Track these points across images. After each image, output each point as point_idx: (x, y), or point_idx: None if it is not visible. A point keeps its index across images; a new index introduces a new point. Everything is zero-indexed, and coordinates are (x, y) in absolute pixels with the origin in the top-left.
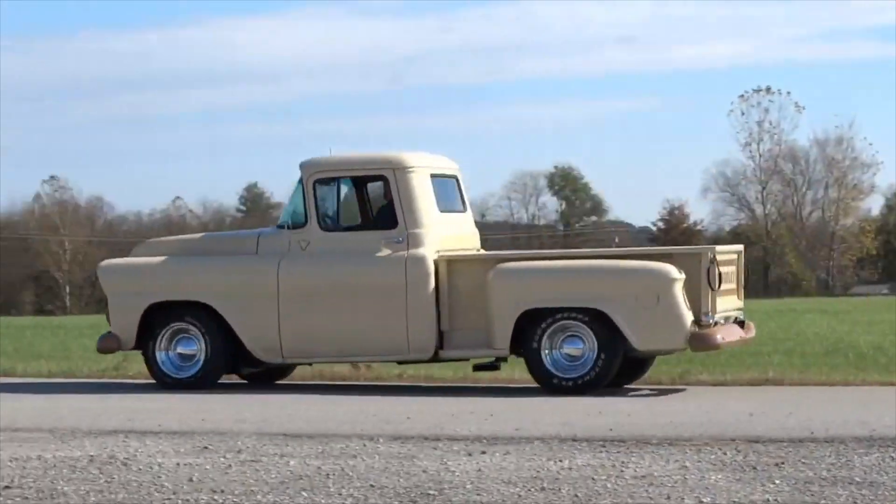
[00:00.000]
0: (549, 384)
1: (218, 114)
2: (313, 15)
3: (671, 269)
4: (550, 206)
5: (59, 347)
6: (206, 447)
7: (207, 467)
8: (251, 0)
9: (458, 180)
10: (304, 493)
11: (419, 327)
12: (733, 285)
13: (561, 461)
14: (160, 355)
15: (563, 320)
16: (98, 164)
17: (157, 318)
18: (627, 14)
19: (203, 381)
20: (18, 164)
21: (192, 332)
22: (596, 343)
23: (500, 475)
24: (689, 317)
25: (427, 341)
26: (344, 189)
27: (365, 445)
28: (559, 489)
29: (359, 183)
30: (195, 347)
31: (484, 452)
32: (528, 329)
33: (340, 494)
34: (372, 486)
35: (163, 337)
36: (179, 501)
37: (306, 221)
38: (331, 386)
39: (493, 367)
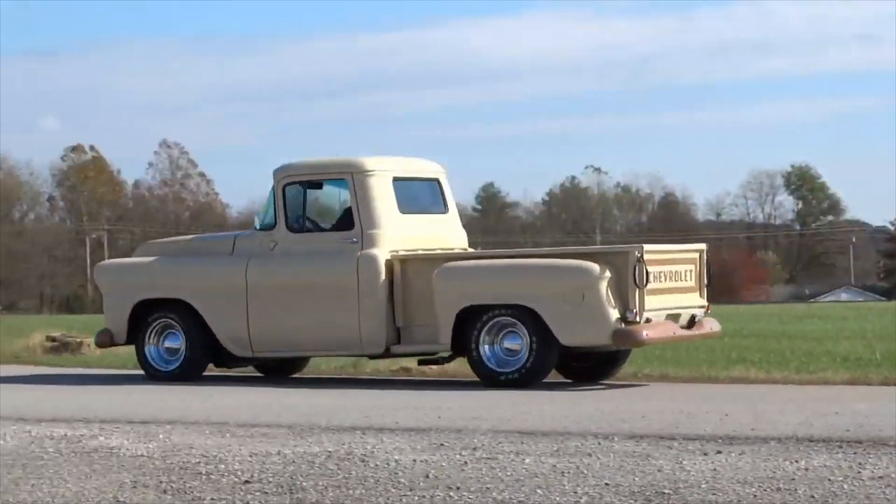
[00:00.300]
0: (486, 378)
1: (455, 113)
2: (550, 15)
3: (594, 268)
4: (787, 205)
5: None
6: (442, 444)
7: (443, 464)
8: (489, 1)
9: (439, 183)
10: (539, 491)
11: (370, 323)
12: (686, 283)
13: (797, 461)
14: (149, 349)
15: (499, 317)
16: None
17: (145, 315)
18: (867, 12)
19: (184, 375)
20: (259, 164)
21: (176, 328)
22: (529, 339)
23: (736, 475)
24: (613, 314)
25: (378, 337)
26: (309, 193)
27: (600, 444)
28: (795, 490)
29: (323, 186)
30: (179, 342)
31: (719, 452)
32: (468, 325)
33: (575, 493)
34: (607, 484)
35: (151, 332)
36: (416, 498)
37: (276, 223)
38: (564, 384)
39: (438, 361)
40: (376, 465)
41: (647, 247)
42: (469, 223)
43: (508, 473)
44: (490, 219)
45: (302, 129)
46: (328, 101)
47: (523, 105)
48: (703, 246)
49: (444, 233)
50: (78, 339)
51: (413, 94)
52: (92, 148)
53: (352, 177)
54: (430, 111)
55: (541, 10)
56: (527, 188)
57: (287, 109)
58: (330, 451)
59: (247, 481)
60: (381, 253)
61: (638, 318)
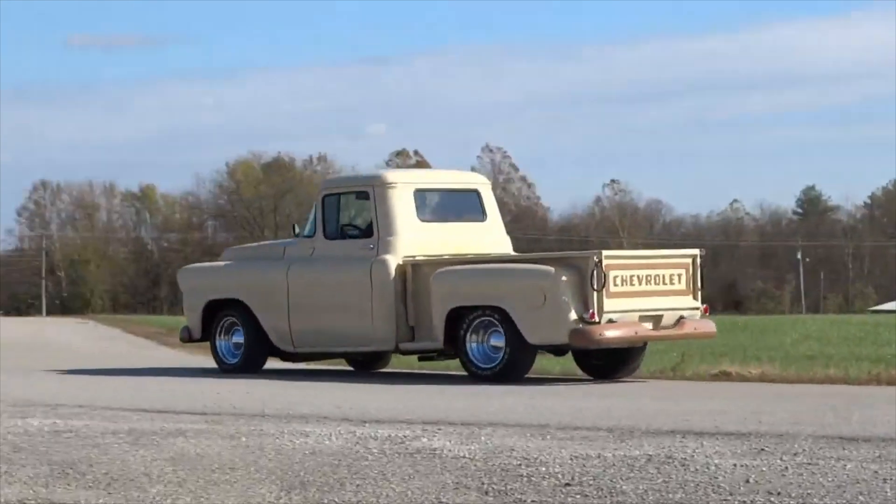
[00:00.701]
0: (472, 373)
1: (781, 116)
2: (880, 16)
3: (552, 272)
4: None
5: None
6: (762, 449)
7: (764, 469)
8: (815, 1)
9: (478, 193)
10: (860, 498)
11: (381, 322)
12: (672, 286)
13: None
14: (219, 344)
15: (483, 317)
16: (658, 167)
17: (215, 314)
18: None
19: (245, 367)
20: (581, 167)
21: (238, 326)
22: (506, 337)
23: None
24: (571, 315)
25: (388, 334)
26: (344, 203)
27: None
28: None
29: (353, 198)
30: (242, 338)
31: None
32: (458, 325)
33: None
34: None
35: (221, 329)
36: (736, 502)
37: (315, 232)
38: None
39: (435, 356)
40: (696, 469)
41: (607, 253)
42: (787, 226)
43: (829, 479)
44: (811, 222)
45: (624, 133)
46: (652, 105)
47: (852, 108)
48: (695, 252)
49: (480, 239)
50: None
51: (736, 97)
52: (416, 153)
53: (373, 189)
54: (755, 113)
55: (869, 10)
56: (848, 191)
57: (611, 114)
58: (650, 455)
59: (567, 484)
60: (395, 258)
61: (597, 319)
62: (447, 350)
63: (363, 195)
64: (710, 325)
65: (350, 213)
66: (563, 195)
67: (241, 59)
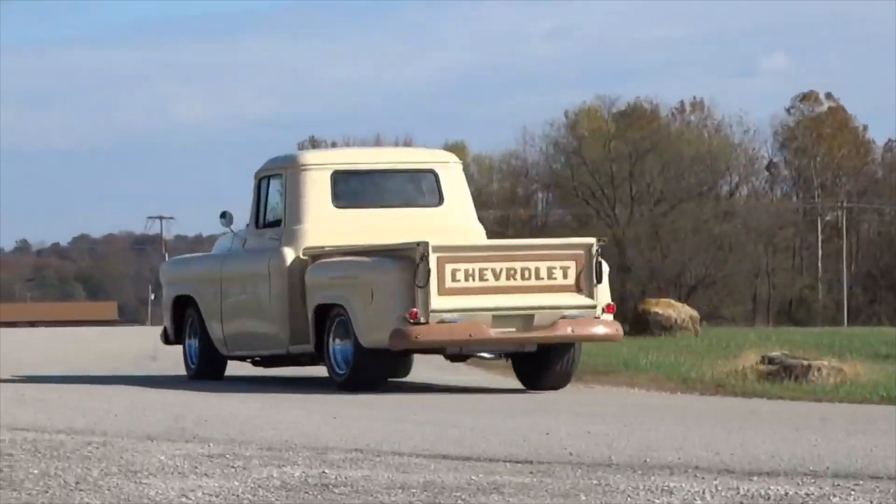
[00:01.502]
0: (332, 378)
1: None
2: None
3: (381, 265)
4: None
5: None
6: None
7: None
8: None
9: (435, 175)
10: None
11: (274, 323)
12: (550, 281)
13: None
14: (188, 345)
15: (339, 316)
16: None
17: (184, 312)
18: None
19: (200, 373)
20: None
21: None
22: (350, 339)
23: None
24: (395, 314)
25: (282, 335)
26: (271, 188)
27: None
28: None
29: (276, 182)
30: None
31: None
32: (323, 324)
33: None
34: None
35: (190, 329)
36: None
37: (250, 220)
38: None
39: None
40: None
41: (437, 244)
42: None
43: None
44: None
45: None
46: None
47: None
48: (588, 241)
49: (426, 227)
50: (805, 362)
51: None
52: (829, 96)
53: (285, 172)
54: None
55: None
56: None
57: None
58: None
59: None
60: (292, 249)
61: (421, 319)
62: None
63: (279, 179)
64: (604, 327)
65: (275, 200)
66: None
67: None
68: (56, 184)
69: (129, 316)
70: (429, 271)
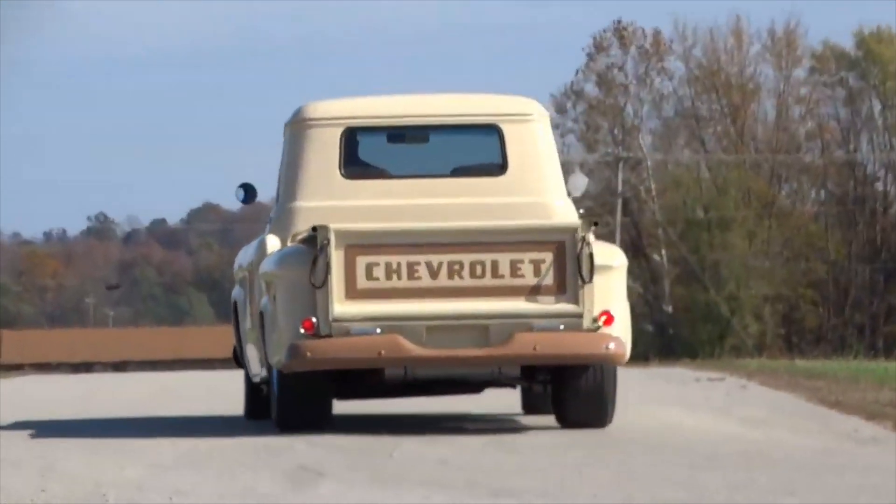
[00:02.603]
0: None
1: None
2: None
3: (281, 260)
4: None
5: None
6: None
7: None
8: None
9: (499, 132)
10: None
11: (258, 336)
12: (511, 281)
13: None
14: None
15: None
16: None
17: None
18: None
19: (250, 410)
20: None
21: None
22: None
23: None
24: (289, 324)
25: (259, 353)
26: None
27: None
28: None
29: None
30: None
31: None
32: None
33: None
34: None
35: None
36: None
37: None
38: None
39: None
40: None
41: (341, 228)
42: None
43: None
44: None
45: None
46: None
47: None
48: (570, 223)
49: (479, 205)
50: None
51: None
52: None
53: (286, 130)
54: None
55: None
56: None
57: None
58: None
59: None
60: (280, 236)
61: (322, 331)
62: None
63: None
64: (589, 343)
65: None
66: None
67: None
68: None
69: None
70: (328, 266)
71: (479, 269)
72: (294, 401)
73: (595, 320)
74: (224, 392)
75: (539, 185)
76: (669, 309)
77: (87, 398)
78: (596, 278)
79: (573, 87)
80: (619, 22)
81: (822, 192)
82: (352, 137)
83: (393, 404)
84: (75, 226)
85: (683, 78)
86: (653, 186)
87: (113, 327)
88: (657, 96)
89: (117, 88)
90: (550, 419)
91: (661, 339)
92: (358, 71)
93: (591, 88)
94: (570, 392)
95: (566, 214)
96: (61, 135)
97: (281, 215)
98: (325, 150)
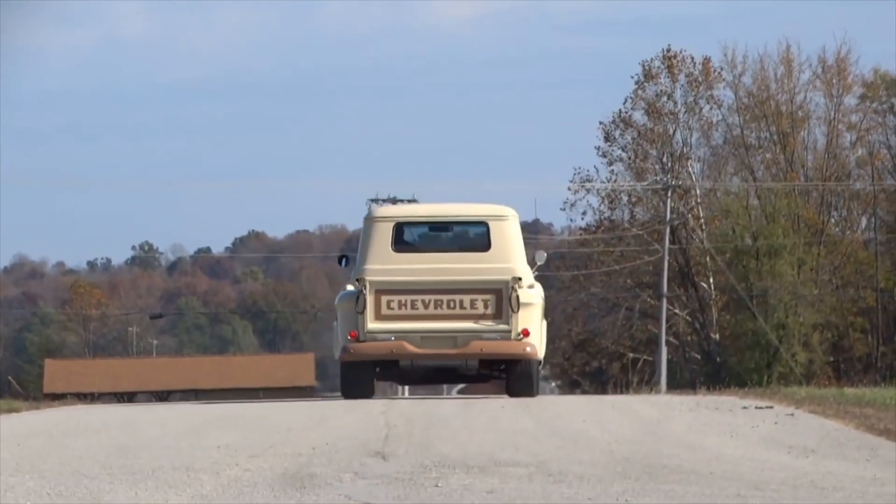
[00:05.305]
0: None
1: None
2: None
3: (343, 297)
4: None
5: None
6: None
7: None
8: None
9: (487, 225)
10: None
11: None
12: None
13: None
14: None
15: None
16: None
17: None
18: None
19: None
20: None
21: None
22: None
23: None
24: (345, 333)
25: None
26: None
27: None
28: None
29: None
30: None
31: None
32: None
33: None
34: None
35: None
36: None
37: None
38: None
39: None
40: None
41: (372, 280)
42: None
43: None
44: None
45: None
46: None
47: None
48: (504, 279)
49: (472, 268)
50: None
51: None
52: None
53: (364, 221)
54: None
55: None
56: None
57: None
58: None
59: None
60: (351, 285)
61: (360, 338)
62: None
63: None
64: (512, 346)
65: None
66: None
67: None
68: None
69: (334, 378)
70: (365, 301)
71: (452, 304)
72: (349, 380)
73: (519, 334)
74: (267, 422)
75: (509, 256)
76: (717, 337)
77: (129, 427)
78: (521, 310)
79: (622, 114)
80: (669, 49)
81: (873, 220)
82: (399, 228)
83: (435, 433)
84: (120, 255)
85: (733, 106)
86: (701, 214)
87: (157, 356)
88: (706, 124)
89: (162, 116)
90: (601, 449)
91: (708, 367)
92: (408, 103)
93: (639, 116)
94: (512, 376)
95: (516, 272)
96: (106, 164)
97: (355, 273)
98: (379, 236)
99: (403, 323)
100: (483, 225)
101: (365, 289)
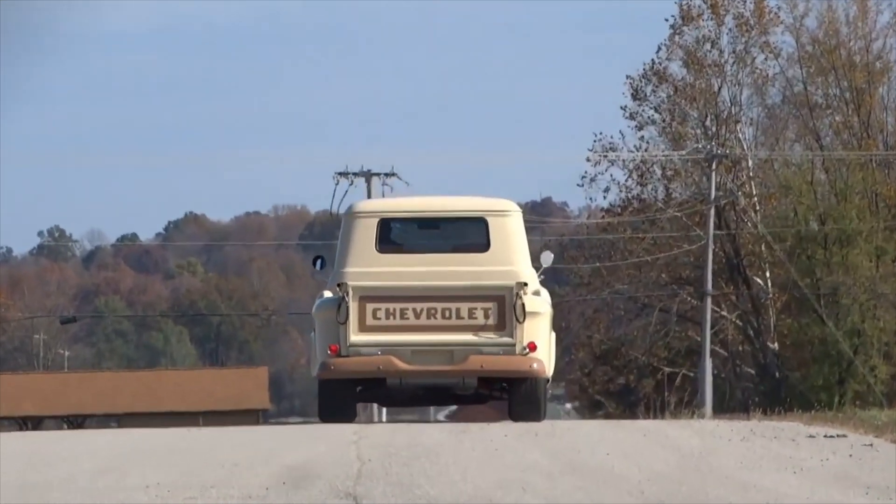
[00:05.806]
0: None
1: None
2: None
3: (321, 305)
4: None
5: None
6: None
7: None
8: None
9: (485, 223)
10: None
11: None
12: None
13: None
14: None
15: None
16: None
17: None
18: None
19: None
20: None
21: None
22: None
23: None
24: (322, 348)
25: None
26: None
27: None
28: None
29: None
30: None
31: None
32: None
33: None
34: None
35: None
36: None
37: None
38: None
39: None
40: None
41: (356, 285)
42: None
43: None
44: None
45: None
46: None
47: None
48: (509, 284)
49: (468, 271)
50: None
51: None
52: None
53: (343, 218)
54: None
55: None
56: None
57: None
58: None
59: None
60: (330, 289)
61: (342, 352)
62: None
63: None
64: (517, 363)
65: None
66: None
67: None
68: None
69: (292, 399)
70: (348, 310)
71: (447, 313)
72: (328, 401)
73: (524, 348)
74: (209, 455)
75: (511, 258)
76: (776, 346)
77: (34, 462)
78: (527, 321)
79: (654, 66)
80: None
81: None
82: (385, 225)
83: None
84: (23, 244)
85: (793, 55)
86: (754, 191)
87: (69, 371)
88: (760, 78)
89: (76, 71)
90: (629, 490)
91: (765, 386)
92: (385, 53)
93: (676, 68)
94: (516, 397)
95: (520, 277)
96: (5, 131)
97: (334, 277)
98: (359, 235)
99: (391, 335)
100: (481, 221)
101: (347, 295)
